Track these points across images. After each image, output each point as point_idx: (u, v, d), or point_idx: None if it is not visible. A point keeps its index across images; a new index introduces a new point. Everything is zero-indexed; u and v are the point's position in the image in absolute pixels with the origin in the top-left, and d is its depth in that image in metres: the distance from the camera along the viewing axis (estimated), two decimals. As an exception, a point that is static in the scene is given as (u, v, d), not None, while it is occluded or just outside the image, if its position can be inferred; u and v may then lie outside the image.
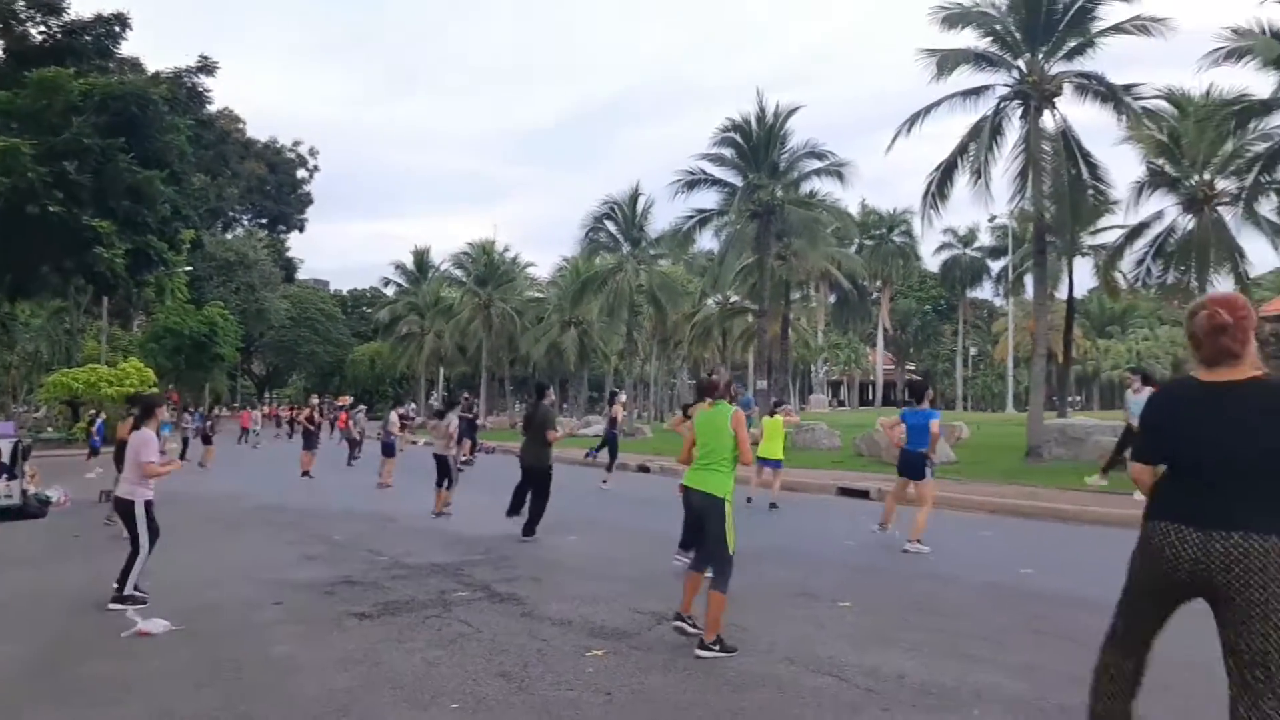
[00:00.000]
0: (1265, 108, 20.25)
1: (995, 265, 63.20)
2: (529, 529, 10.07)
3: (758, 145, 30.35)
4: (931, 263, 70.61)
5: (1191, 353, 2.99)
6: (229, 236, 65.88)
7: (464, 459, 21.08)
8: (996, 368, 69.77)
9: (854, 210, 61.39)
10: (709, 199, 31.93)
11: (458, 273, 55.58)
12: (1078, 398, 72.31)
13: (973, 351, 75.09)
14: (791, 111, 30.63)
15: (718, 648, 5.30)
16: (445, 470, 12.24)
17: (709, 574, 5.64)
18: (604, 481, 16.35)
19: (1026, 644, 5.64)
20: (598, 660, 5.25)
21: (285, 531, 10.79)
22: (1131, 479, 3.20)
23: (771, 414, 14.15)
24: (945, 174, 21.26)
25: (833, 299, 65.64)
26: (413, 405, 45.10)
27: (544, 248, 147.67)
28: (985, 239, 64.58)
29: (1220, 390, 2.90)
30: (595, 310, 41.88)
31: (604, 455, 17.10)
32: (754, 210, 30.01)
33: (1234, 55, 19.60)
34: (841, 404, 70.89)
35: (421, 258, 60.74)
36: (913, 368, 77.08)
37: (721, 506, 5.52)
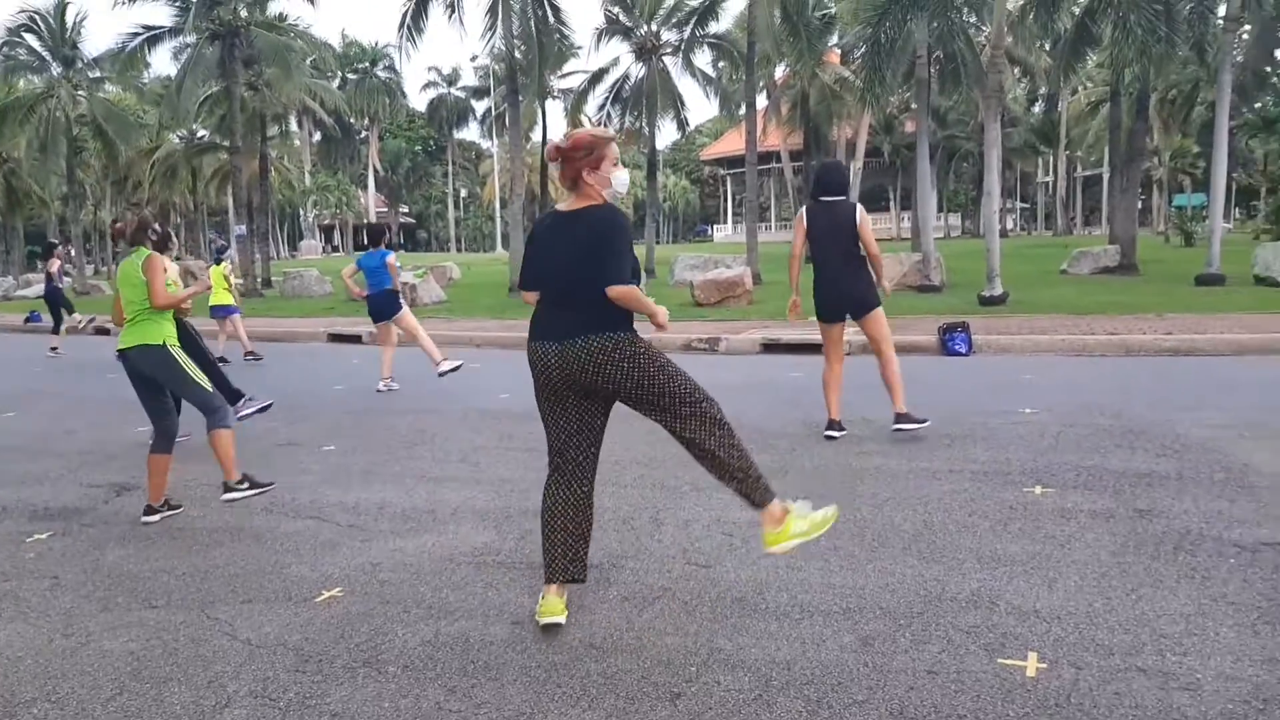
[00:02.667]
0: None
1: (480, 106, 64.80)
2: None
3: (214, -49, 26.74)
4: (418, 101, 70.09)
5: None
6: None
7: None
8: (486, 209, 72.42)
9: (334, 41, 57.98)
10: (159, 14, 27.82)
11: None
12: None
13: (463, 193, 76.90)
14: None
15: (246, 485, 5.04)
16: None
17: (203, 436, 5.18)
18: (53, 349, 14.24)
19: (498, 460, 6.16)
20: (41, 544, 4.65)
21: None
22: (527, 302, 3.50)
23: (217, 261, 13.39)
24: (420, 4, 20.91)
25: (317, 137, 62.30)
26: None
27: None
28: (470, 79, 65.51)
29: (569, 218, 3.28)
30: (24, 145, 34.66)
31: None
32: (214, 30, 26.71)
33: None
34: (336, 249, 68.62)
35: None
36: (406, 210, 76.94)
37: (164, 352, 5.03)
